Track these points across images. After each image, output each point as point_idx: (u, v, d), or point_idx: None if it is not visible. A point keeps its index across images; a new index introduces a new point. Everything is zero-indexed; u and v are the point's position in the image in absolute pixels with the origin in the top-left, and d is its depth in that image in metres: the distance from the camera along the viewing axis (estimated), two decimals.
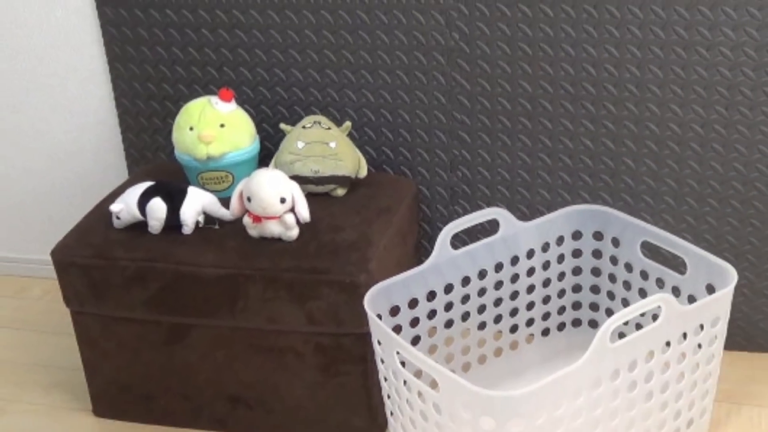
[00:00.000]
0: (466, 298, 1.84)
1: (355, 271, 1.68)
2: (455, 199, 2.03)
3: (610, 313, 1.96)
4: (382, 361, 1.64)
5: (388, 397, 1.70)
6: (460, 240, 1.94)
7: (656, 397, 1.62)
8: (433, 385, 1.53)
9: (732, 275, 1.64)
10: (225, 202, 1.81)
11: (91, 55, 2.14)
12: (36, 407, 1.99)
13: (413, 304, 1.76)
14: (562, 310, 1.99)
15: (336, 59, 1.96)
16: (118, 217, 1.79)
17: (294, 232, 1.74)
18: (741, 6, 1.72)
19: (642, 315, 1.68)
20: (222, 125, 1.85)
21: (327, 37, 1.95)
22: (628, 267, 1.88)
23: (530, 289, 1.92)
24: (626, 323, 1.72)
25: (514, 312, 1.92)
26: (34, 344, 2.19)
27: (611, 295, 1.96)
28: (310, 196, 1.81)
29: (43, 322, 2.26)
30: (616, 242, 1.88)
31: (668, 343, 1.57)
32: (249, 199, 1.72)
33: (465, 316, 1.86)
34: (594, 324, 2.00)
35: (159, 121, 2.12)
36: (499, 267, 1.86)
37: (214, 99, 1.88)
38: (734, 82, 1.78)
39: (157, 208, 1.76)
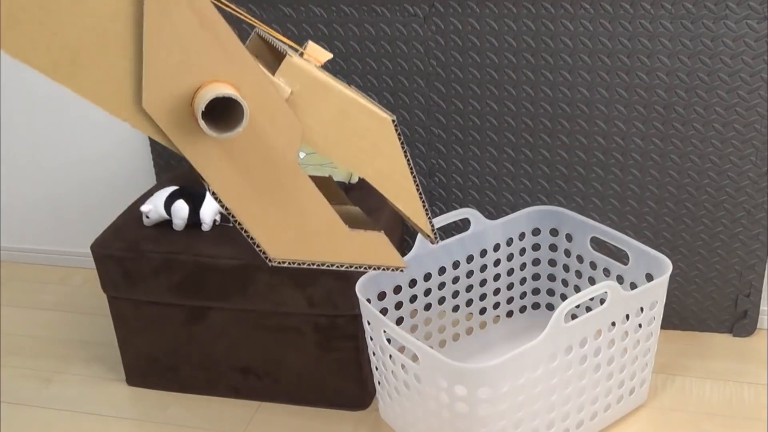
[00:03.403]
0: (442, 285, 1.82)
1: None
2: (433, 201, 2.02)
3: (564, 297, 1.95)
4: (371, 339, 1.62)
5: (376, 368, 1.68)
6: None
7: (603, 368, 1.60)
8: (414, 358, 1.51)
9: (667, 265, 1.63)
10: None
11: None
12: (78, 377, 1.97)
13: (397, 290, 1.75)
14: (523, 295, 1.97)
15: None
16: (147, 217, 1.77)
17: None
18: (675, 38, 1.71)
19: (591, 299, 1.66)
20: None
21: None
22: (580, 259, 1.86)
23: (496, 277, 1.90)
24: (578, 306, 1.71)
25: (483, 297, 1.90)
26: (76, 324, 2.16)
27: (565, 283, 1.94)
28: None
29: (84, 306, 2.24)
30: (569, 237, 1.86)
31: (613, 323, 1.56)
32: None
33: (441, 300, 1.84)
34: (551, 307, 1.99)
35: None
36: (470, 259, 1.84)
37: None
38: (669, 101, 1.77)
39: (181, 208, 1.74)
